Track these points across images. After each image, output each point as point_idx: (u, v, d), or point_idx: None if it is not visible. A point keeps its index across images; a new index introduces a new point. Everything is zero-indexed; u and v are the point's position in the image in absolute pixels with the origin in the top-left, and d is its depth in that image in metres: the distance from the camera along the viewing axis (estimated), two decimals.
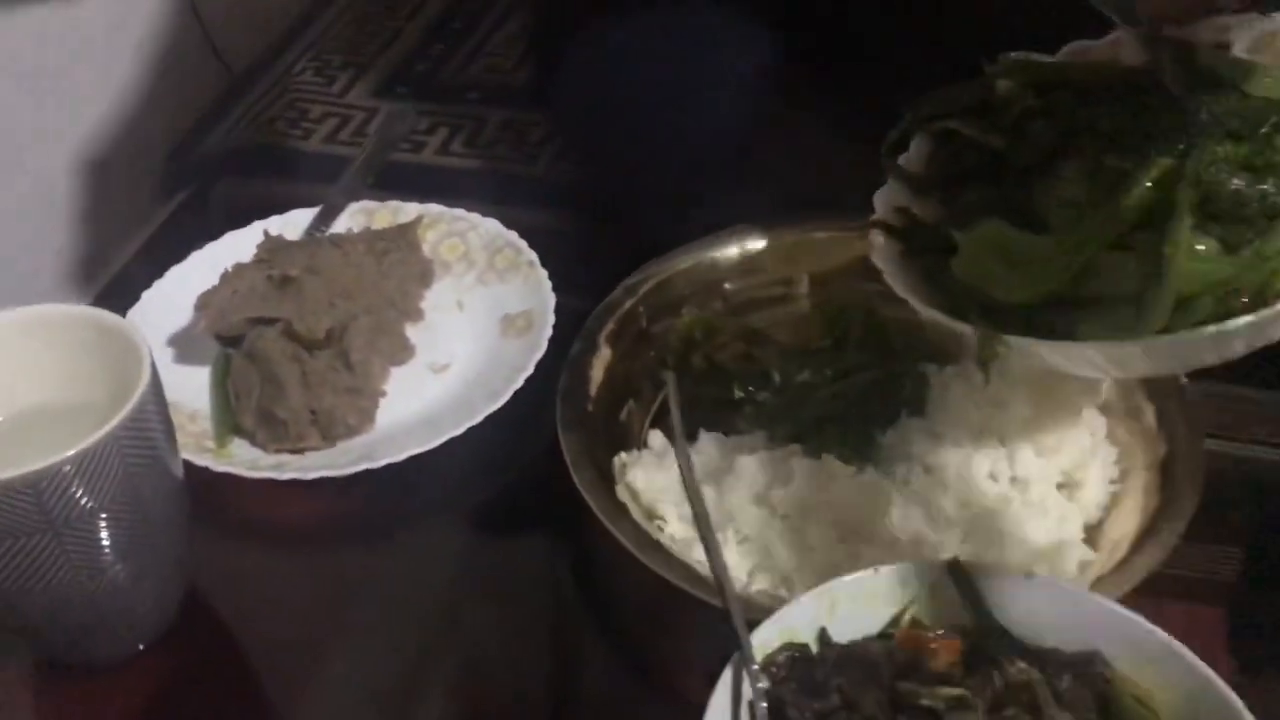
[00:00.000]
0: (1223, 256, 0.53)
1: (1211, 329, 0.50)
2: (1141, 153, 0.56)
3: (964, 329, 0.56)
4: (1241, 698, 0.45)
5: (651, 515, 0.62)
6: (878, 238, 0.62)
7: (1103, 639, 0.48)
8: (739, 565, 0.59)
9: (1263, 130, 0.55)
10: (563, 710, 0.60)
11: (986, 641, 0.48)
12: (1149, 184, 0.54)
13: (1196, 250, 0.52)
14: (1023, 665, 0.47)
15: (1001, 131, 0.61)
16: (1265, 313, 0.50)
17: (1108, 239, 0.54)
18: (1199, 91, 0.56)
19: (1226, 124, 0.55)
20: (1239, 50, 0.62)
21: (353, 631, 0.64)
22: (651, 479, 0.63)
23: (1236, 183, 0.54)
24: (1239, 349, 0.53)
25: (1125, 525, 0.60)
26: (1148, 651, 0.47)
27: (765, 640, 0.48)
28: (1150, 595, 0.61)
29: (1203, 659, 0.56)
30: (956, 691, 0.46)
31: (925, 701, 0.45)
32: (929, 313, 0.57)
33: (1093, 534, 0.61)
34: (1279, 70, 0.58)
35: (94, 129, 1.33)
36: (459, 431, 0.67)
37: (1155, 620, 0.57)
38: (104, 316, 0.57)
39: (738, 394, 0.70)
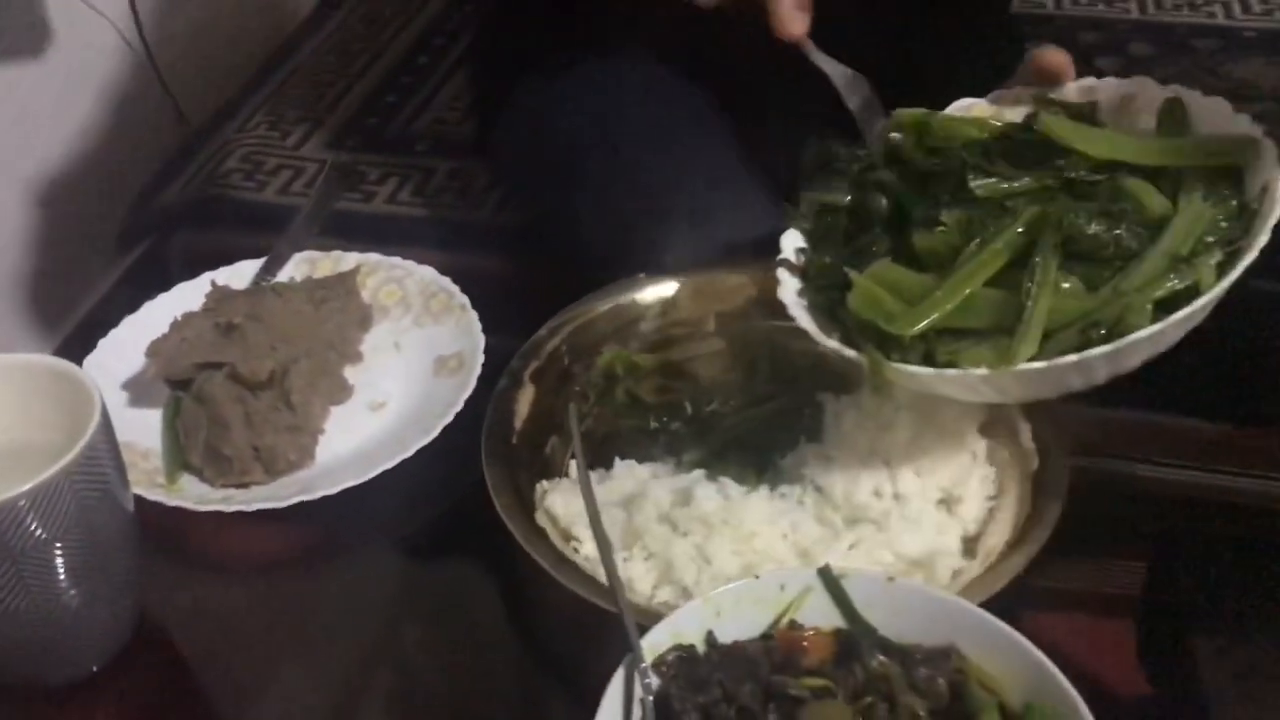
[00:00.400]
0: (1084, 294, 0.60)
1: (1074, 357, 0.57)
2: (1013, 202, 0.64)
3: (856, 358, 0.62)
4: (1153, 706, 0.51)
5: (568, 537, 0.67)
6: (782, 275, 0.68)
7: (957, 634, 0.54)
8: (644, 579, 0.64)
9: (1099, 183, 0.62)
10: (488, 712, 0.65)
11: (855, 639, 0.54)
12: (1019, 229, 0.61)
13: (1061, 288, 0.59)
14: (883, 659, 0.52)
15: (882, 186, 0.68)
16: (1120, 343, 0.56)
17: (984, 277, 0.61)
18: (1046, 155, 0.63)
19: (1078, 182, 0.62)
20: (1104, 108, 0.69)
21: (295, 652, 0.69)
22: (569, 504, 0.68)
23: (1095, 228, 0.61)
24: (1101, 376, 0.60)
25: (999, 536, 0.66)
26: (994, 643, 0.53)
27: (656, 643, 0.54)
28: (1061, 611, 0.68)
29: (1112, 671, 0.63)
30: (821, 682, 0.51)
31: (793, 691, 0.51)
32: (826, 343, 0.64)
33: (972, 544, 0.67)
34: (1109, 135, 0.65)
35: (55, 182, 1.38)
36: (391, 465, 0.72)
37: (1066, 636, 0.63)
38: (59, 364, 0.63)
39: (653, 424, 0.76)
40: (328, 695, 0.67)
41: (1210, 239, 0.60)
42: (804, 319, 0.66)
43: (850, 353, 0.63)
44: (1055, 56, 0.70)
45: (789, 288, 0.68)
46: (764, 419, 0.73)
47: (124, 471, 0.63)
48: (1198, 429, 0.77)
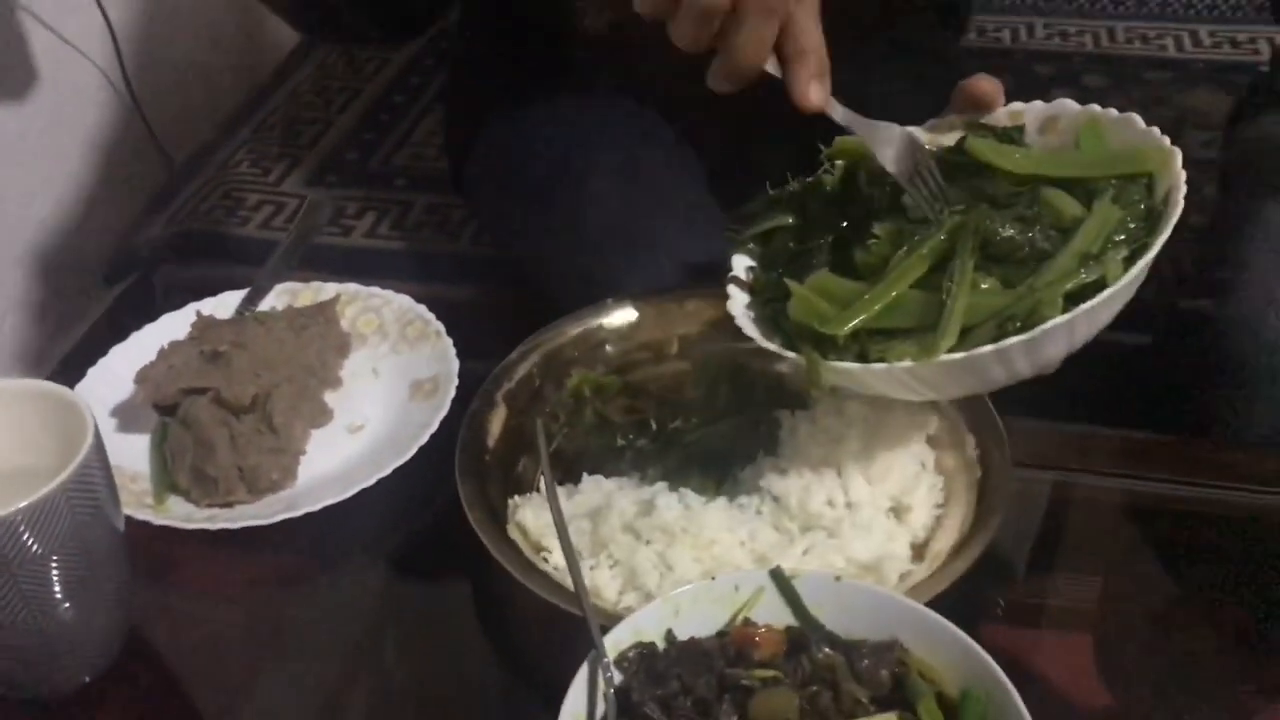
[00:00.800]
0: (1001, 291, 0.64)
1: (990, 347, 0.61)
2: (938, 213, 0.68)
3: (796, 359, 0.66)
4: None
5: (538, 548, 0.71)
6: (732, 290, 0.72)
7: (899, 628, 0.57)
8: (610, 586, 0.68)
9: (1022, 194, 0.67)
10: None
11: (804, 634, 0.58)
12: (942, 237, 0.66)
13: (980, 287, 0.64)
14: (829, 651, 0.56)
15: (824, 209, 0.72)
16: (1034, 332, 0.61)
17: (909, 280, 0.65)
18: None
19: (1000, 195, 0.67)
20: (1030, 130, 0.74)
21: (280, 663, 0.72)
22: (539, 517, 0.72)
23: (1009, 231, 0.66)
24: (1022, 367, 0.64)
25: (945, 541, 0.70)
26: (933, 636, 0.57)
27: (619, 640, 0.57)
28: (1022, 626, 0.71)
29: (1073, 681, 0.67)
30: (771, 673, 0.55)
31: (745, 682, 0.55)
32: (767, 345, 0.69)
33: (921, 550, 0.71)
34: (1028, 153, 0.70)
35: (42, 220, 1.42)
36: (370, 483, 0.75)
37: (1029, 648, 0.67)
38: (53, 389, 0.66)
39: (620, 442, 0.79)
40: (312, 704, 0.70)
41: (1119, 238, 0.65)
42: (748, 327, 0.71)
43: (790, 354, 0.67)
44: (984, 84, 0.74)
45: (738, 301, 0.73)
46: (724, 434, 0.77)
47: (115, 491, 0.66)
48: (1137, 440, 0.82)
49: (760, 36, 0.65)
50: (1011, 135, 0.73)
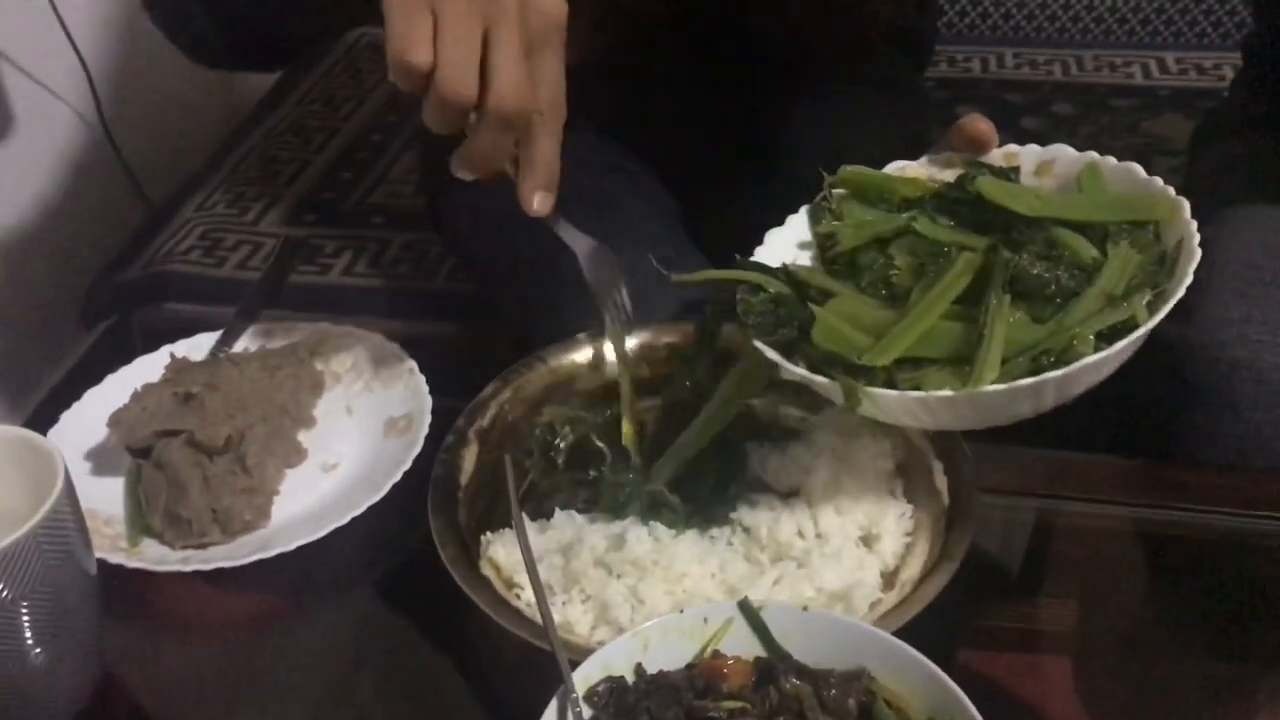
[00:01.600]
0: (1032, 326, 0.66)
1: (1030, 380, 0.63)
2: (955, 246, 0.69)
3: (827, 384, 0.67)
4: None
5: (510, 585, 0.71)
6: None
7: (866, 657, 0.58)
8: (582, 621, 0.68)
9: (1034, 234, 0.68)
10: None
11: (772, 665, 0.58)
12: (967, 270, 0.67)
13: (1011, 321, 0.65)
14: (796, 681, 0.56)
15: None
16: (1072, 368, 0.63)
17: (940, 311, 0.67)
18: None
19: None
20: (1025, 171, 0.75)
21: (254, 705, 0.72)
22: (510, 554, 0.72)
23: (1038, 269, 0.67)
24: (1049, 401, 0.65)
25: (915, 568, 0.70)
26: (899, 664, 0.57)
27: (588, 675, 0.58)
28: (992, 651, 0.72)
29: (1045, 706, 0.67)
30: (738, 704, 0.55)
31: (713, 714, 0.55)
32: (795, 371, 0.69)
33: (891, 578, 0.71)
34: (1038, 193, 0.71)
35: (17, 262, 1.42)
36: (344, 522, 0.76)
37: (1002, 674, 0.68)
38: (22, 434, 0.67)
39: (593, 475, 0.80)
40: None
41: (1138, 281, 0.67)
42: (769, 351, 0.70)
43: (824, 380, 0.67)
44: (981, 124, 0.76)
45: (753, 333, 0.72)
46: (695, 467, 0.78)
47: (87, 535, 0.66)
48: (1102, 464, 0.82)
49: (495, 143, 0.71)
50: (1008, 176, 0.75)
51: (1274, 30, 1.03)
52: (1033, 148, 0.76)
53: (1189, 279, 0.65)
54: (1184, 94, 1.55)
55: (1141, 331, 0.63)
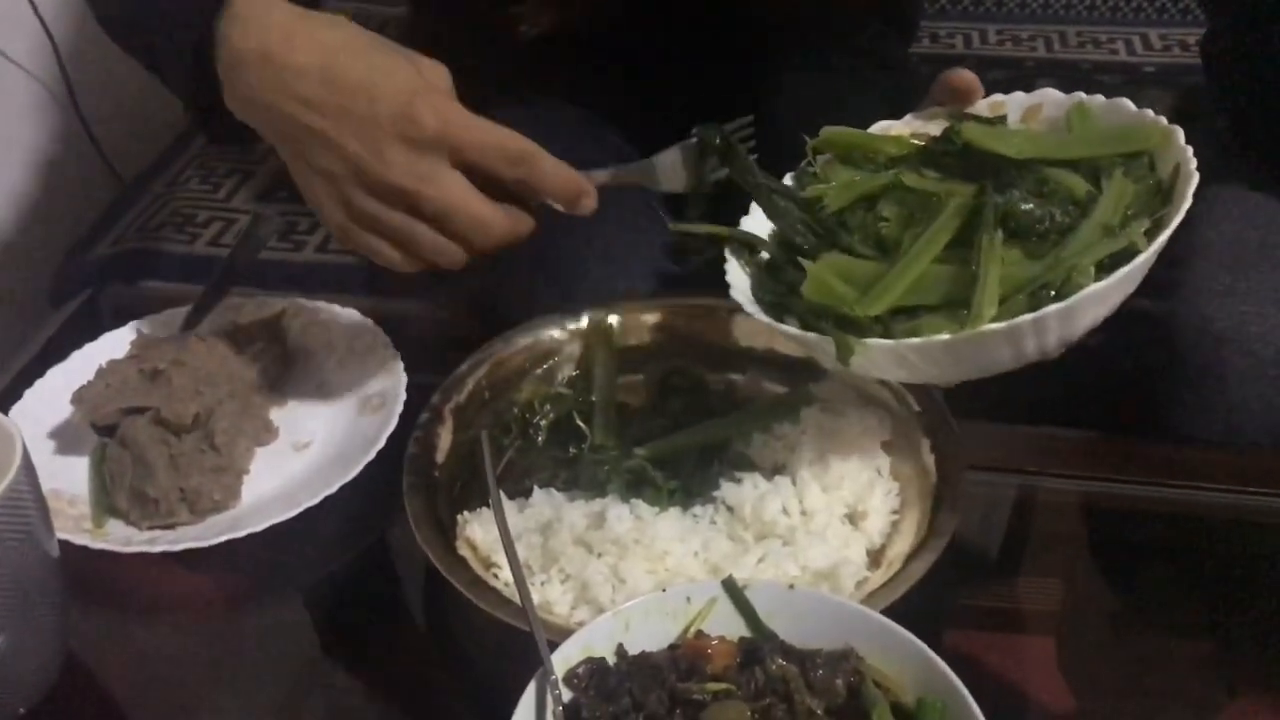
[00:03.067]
0: (1029, 262, 0.63)
1: (1031, 316, 0.60)
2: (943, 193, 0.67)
3: (818, 340, 0.64)
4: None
5: (488, 564, 0.69)
6: (731, 271, 0.71)
7: (854, 636, 0.56)
8: (561, 601, 0.66)
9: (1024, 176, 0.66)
10: None
11: (757, 645, 0.56)
12: (957, 213, 0.65)
13: (1005, 259, 0.63)
14: (782, 662, 0.55)
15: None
16: (1074, 299, 0.60)
17: (931, 256, 0.64)
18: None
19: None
20: (1012, 120, 0.73)
21: (224, 689, 0.70)
22: (488, 533, 0.70)
23: (1029, 206, 0.65)
24: (1052, 340, 0.62)
25: (902, 546, 0.69)
26: (887, 644, 0.56)
27: (568, 656, 0.56)
28: (980, 629, 0.71)
29: (1033, 683, 0.66)
30: (722, 686, 0.54)
31: (696, 696, 0.53)
32: (784, 330, 0.66)
33: (878, 556, 0.70)
34: (1026, 134, 0.69)
35: None
36: (316, 502, 0.74)
37: (990, 653, 0.66)
38: None
39: (572, 452, 0.78)
40: None
41: (1135, 211, 0.64)
42: (757, 311, 0.68)
43: (811, 335, 0.65)
44: (964, 76, 0.74)
45: (739, 287, 0.70)
46: (677, 445, 0.76)
47: (48, 516, 0.64)
48: (1089, 440, 0.81)
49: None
50: (993, 124, 0.73)
51: (1228, 29, 1.01)
52: (1018, 95, 0.74)
53: (1188, 202, 0.62)
54: (1168, 70, 1.54)
55: (1142, 258, 0.61)
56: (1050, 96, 0.72)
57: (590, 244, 0.91)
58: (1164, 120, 0.67)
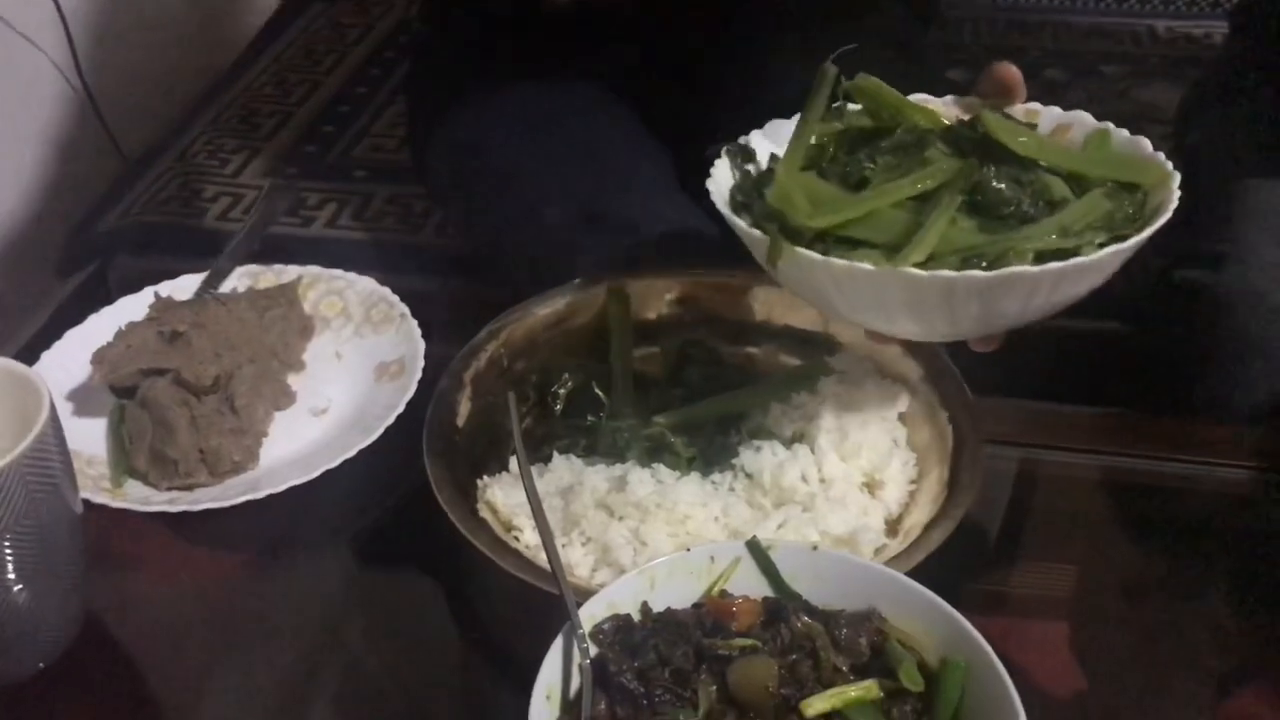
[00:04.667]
0: (976, 232, 0.64)
1: (950, 273, 0.60)
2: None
3: (760, 236, 0.65)
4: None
5: (509, 527, 0.70)
6: (718, 166, 0.71)
7: (877, 597, 0.57)
8: (583, 563, 0.67)
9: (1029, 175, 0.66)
10: (433, 704, 0.67)
11: (782, 604, 0.57)
12: (935, 174, 0.65)
13: (958, 223, 0.63)
14: (807, 620, 0.55)
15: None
16: (995, 273, 0.60)
17: (892, 200, 0.65)
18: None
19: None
20: (1043, 130, 0.74)
21: (242, 649, 0.70)
22: (509, 496, 0.71)
23: (1000, 185, 0.65)
24: (970, 314, 0.63)
25: (919, 517, 0.69)
26: (912, 605, 0.56)
27: (593, 613, 0.56)
28: (995, 601, 0.71)
29: (1046, 657, 0.66)
30: (749, 641, 0.54)
31: (723, 652, 0.54)
32: (732, 220, 0.67)
33: (895, 526, 0.70)
34: (1038, 138, 0.69)
35: None
36: (334, 464, 0.74)
37: (1007, 638, 0.66)
38: (7, 364, 0.64)
39: (590, 421, 0.78)
40: (276, 689, 0.68)
41: (1098, 225, 0.64)
42: (720, 200, 0.69)
43: (755, 232, 0.65)
44: (1010, 71, 0.74)
45: (720, 180, 0.71)
46: (696, 414, 0.76)
47: (72, 471, 0.64)
48: (1109, 416, 0.82)
49: None
50: (1020, 125, 0.73)
51: None
52: (1054, 110, 0.74)
53: (1151, 230, 0.63)
54: (1175, 63, 1.55)
55: (1081, 261, 0.61)
56: (1081, 119, 0.73)
57: (607, 215, 0.92)
58: (1169, 165, 0.67)
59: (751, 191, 0.69)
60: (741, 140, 0.73)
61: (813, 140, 0.69)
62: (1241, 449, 0.77)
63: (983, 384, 0.74)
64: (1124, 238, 0.63)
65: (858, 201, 0.64)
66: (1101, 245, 0.62)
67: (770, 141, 0.73)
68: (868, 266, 0.61)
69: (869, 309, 0.65)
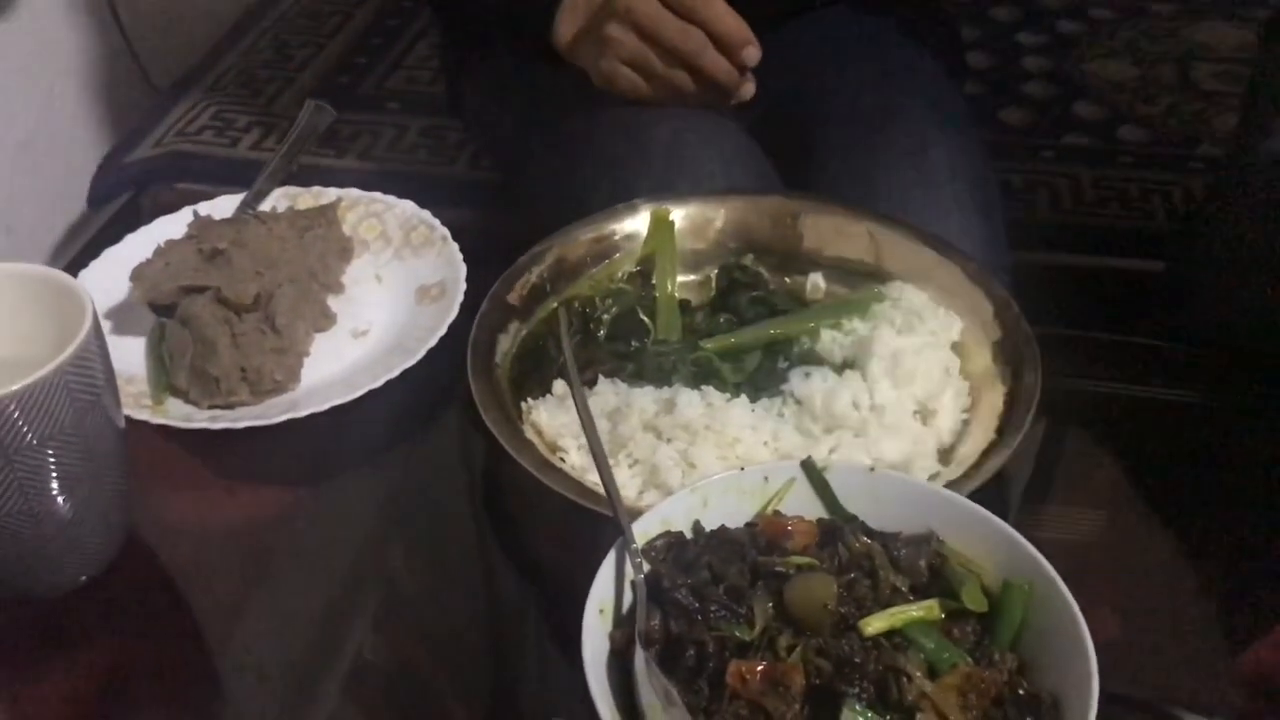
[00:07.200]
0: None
1: None
2: None
3: None
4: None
5: (554, 449, 0.69)
6: None
7: (935, 520, 0.56)
8: (630, 484, 0.66)
9: None
10: (476, 623, 0.67)
11: (838, 525, 0.55)
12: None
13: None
14: (865, 539, 0.54)
15: None
16: None
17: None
18: None
19: None
20: None
21: (283, 566, 0.70)
22: (554, 418, 0.69)
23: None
24: None
25: (972, 446, 0.68)
26: (970, 527, 0.55)
27: (646, 529, 0.55)
28: (1055, 545, 0.69)
29: (1112, 598, 0.64)
30: (806, 559, 0.53)
31: (779, 569, 0.52)
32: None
33: (946, 455, 0.69)
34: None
35: (23, 143, 1.37)
36: (377, 385, 0.73)
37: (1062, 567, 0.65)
38: (49, 273, 0.63)
39: (635, 345, 0.77)
40: (317, 607, 0.67)
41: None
42: None
43: None
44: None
45: None
46: (744, 340, 0.75)
47: (114, 382, 0.63)
48: (1167, 350, 0.80)
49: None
50: None
51: None
52: None
53: None
54: (1226, 1, 1.51)
55: None
56: None
57: (657, 140, 0.90)
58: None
59: None
60: None
61: None
62: None
63: (1043, 316, 0.72)
64: None
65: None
66: None
67: None
68: None
69: None
